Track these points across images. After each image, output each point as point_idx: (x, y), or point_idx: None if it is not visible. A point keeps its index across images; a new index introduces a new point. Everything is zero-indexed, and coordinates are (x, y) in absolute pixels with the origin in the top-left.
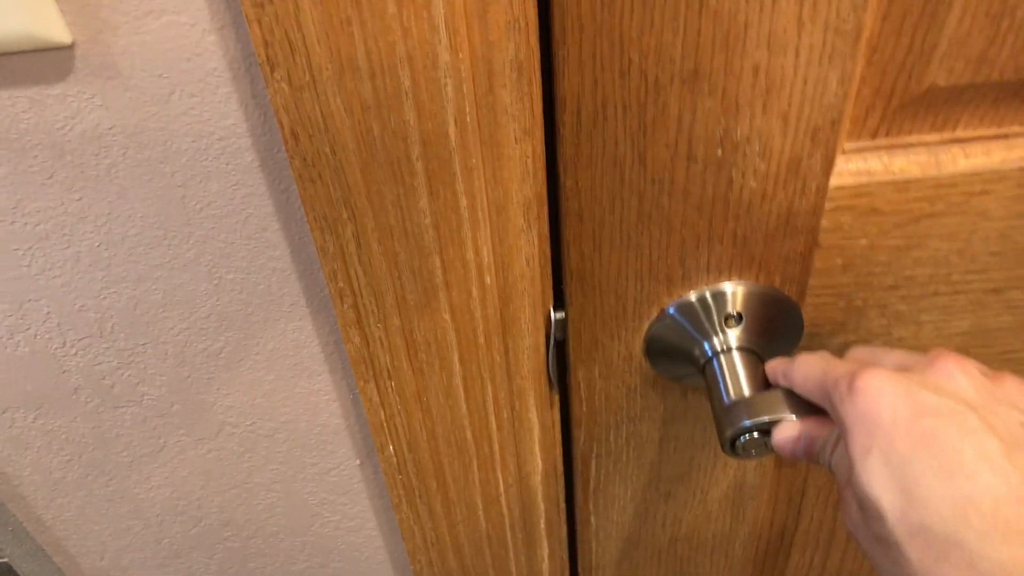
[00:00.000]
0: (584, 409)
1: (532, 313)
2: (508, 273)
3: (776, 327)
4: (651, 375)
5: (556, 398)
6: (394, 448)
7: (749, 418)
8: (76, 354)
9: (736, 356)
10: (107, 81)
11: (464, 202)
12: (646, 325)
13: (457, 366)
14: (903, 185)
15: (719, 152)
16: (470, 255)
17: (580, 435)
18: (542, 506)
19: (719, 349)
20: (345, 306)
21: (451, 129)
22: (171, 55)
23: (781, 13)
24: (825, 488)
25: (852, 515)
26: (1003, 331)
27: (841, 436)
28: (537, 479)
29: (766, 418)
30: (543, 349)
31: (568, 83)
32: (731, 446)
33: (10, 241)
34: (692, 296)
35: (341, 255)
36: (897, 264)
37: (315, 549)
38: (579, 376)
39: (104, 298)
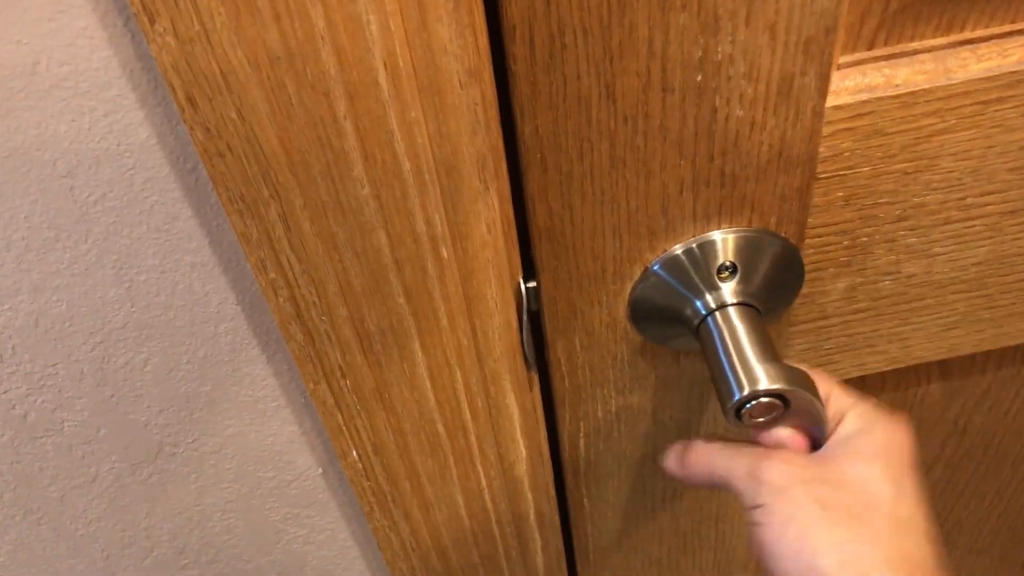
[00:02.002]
0: (567, 385)
1: (499, 286)
2: (467, 243)
3: (774, 275)
4: (638, 341)
5: (535, 378)
6: (358, 453)
7: (756, 384)
8: None
9: (733, 313)
10: None
11: (407, 165)
12: (629, 286)
13: (419, 355)
14: (908, 99)
15: (699, 77)
16: (420, 226)
17: (565, 414)
18: (530, 496)
19: (713, 306)
20: (281, 300)
21: (381, 77)
22: (29, 15)
23: None
24: None
25: None
26: (1022, 256)
27: None
28: (522, 468)
29: (776, 386)
30: (516, 325)
31: (516, 7)
32: (736, 414)
33: None
34: (678, 249)
35: (268, 241)
36: (905, 191)
37: (285, 567)
38: (558, 350)
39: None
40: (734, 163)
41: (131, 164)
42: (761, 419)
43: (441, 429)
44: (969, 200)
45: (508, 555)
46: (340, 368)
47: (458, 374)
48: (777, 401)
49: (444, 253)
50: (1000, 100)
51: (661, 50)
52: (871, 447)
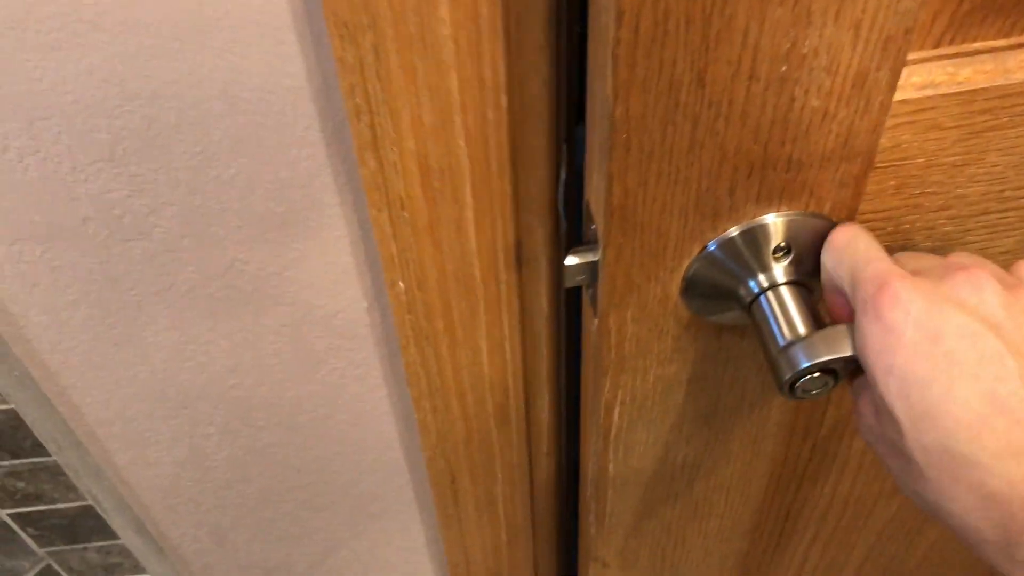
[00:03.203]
0: (613, 356)
1: (545, 141)
2: (523, 95)
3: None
4: (685, 316)
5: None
6: (404, 285)
7: (810, 359)
8: (87, 180)
9: (786, 291)
10: None
11: (484, 11)
12: (686, 263)
13: (469, 198)
14: (968, 97)
15: (784, 68)
16: (487, 72)
17: (605, 383)
18: (545, 351)
19: (766, 285)
20: (362, 124)
21: None
22: None
23: None
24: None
25: (868, 420)
26: None
27: (859, 334)
28: (542, 321)
29: (828, 357)
30: (554, 181)
31: None
32: (790, 388)
33: (20, 51)
34: (737, 230)
35: (359, 67)
36: (951, 183)
37: (321, 399)
38: (611, 322)
39: (117, 117)
40: (803, 150)
41: None
42: (815, 391)
43: (477, 273)
44: (1007, 193)
45: (516, 408)
46: (401, 199)
47: (499, 222)
48: (829, 376)
49: (503, 101)
50: None
51: (755, 42)
52: None
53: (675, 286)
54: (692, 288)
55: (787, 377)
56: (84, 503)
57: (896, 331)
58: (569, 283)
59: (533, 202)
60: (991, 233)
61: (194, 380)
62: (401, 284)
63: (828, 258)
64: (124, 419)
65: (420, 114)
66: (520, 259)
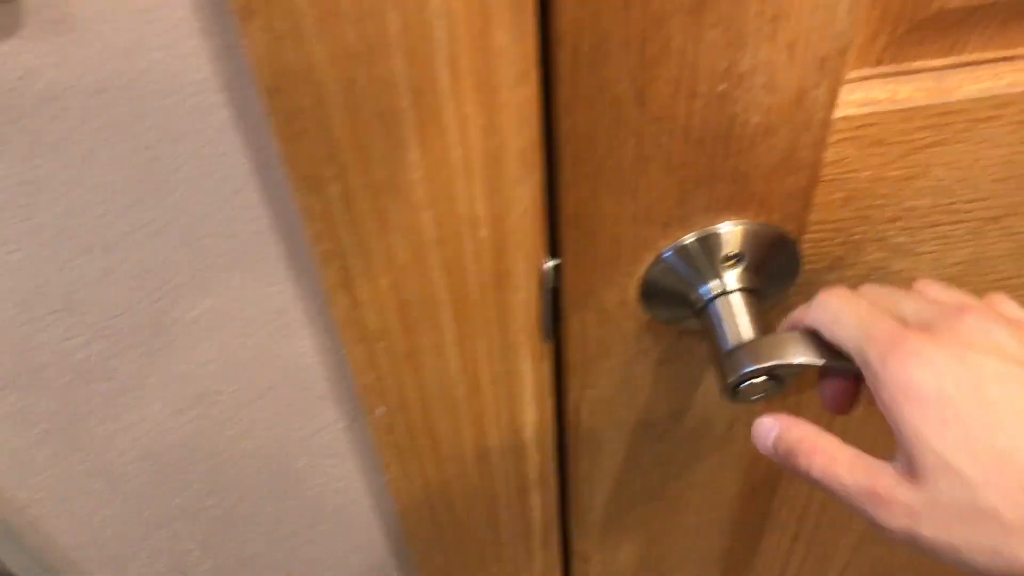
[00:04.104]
0: (578, 357)
1: (526, 265)
2: (503, 226)
3: (773, 266)
4: (645, 319)
5: (548, 350)
6: (385, 408)
7: (754, 363)
8: (44, 329)
9: (735, 298)
10: (61, 36)
11: (458, 153)
12: (642, 270)
13: (451, 323)
14: (908, 114)
15: (723, 86)
16: (463, 209)
17: (574, 383)
18: (535, 458)
19: (717, 291)
20: (331, 268)
21: (443, 75)
22: (132, 4)
23: None
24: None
25: (903, 499)
26: (1001, 258)
27: (887, 395)
28: (530, 431)
29: (772, 362)
30: (536, 300)
31: (567, 18)
32: (734, 391)
33: None
34: (689, 238)
35: (327, 215)
36: (898, 195)
37: (303, 512)
38: (573, 324)
39: (71, 270)
40: (747, 163)
41: (208, 140)
42: (756, 396)
43: (461, 391)
44: (956, 206)
45: (509, 510)
46: (377, 332)
47: (483, 343)
48: (774, 382)
49: (482, 234)
50: (989, 119)
51: (692, 61)
52: None
53: (633, 291)
54: (649, 293)
55: (731, 380)
56: None
57: (931, 386)
58: (547, 287)
59: (517, 322)
60: (944, 245)
61: (170, 502)
62: (381, 409)
63: (825, 316)
64: (98, 543)
65: (394, 253)
66: (506, 374)
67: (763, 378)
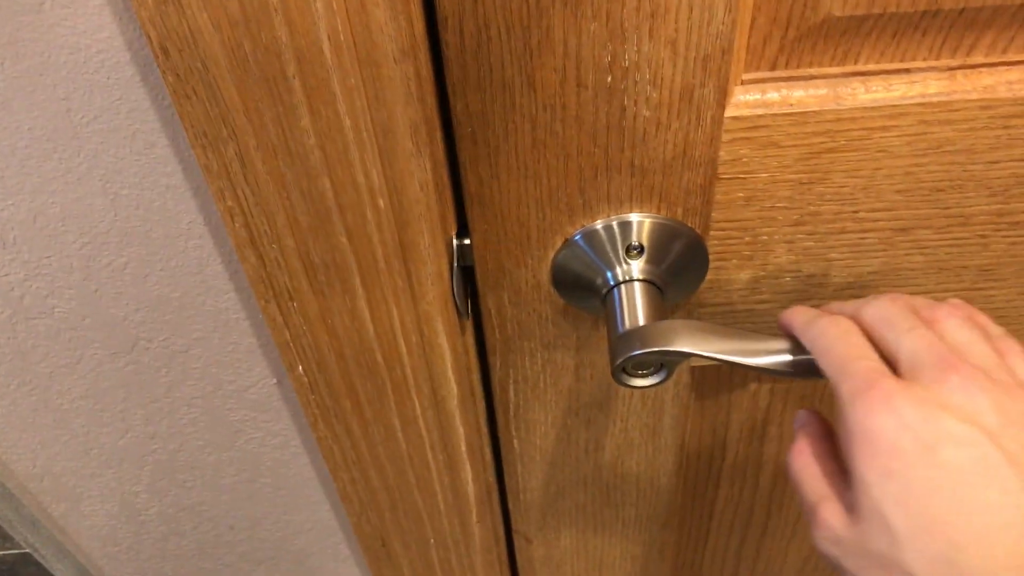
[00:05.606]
0: (498, 336)
1: (432, 239)
2: (402, 197)
3: (680, 260)
4: (561, 304)
5: (469, 325)
6: (303, 368)
7: (642, 347)
8: None
9: (636, 287)
10: None
11: (348, 123)
12: (551, 254)
13: (360, 289)
14: (801, 118)
15: (609, 79)
16: (360, 178)
17: (496, 362)
18: (461, 430)
19: (620, 279)
20: (237, 225)
21: (326, 47)
22: None
23: None
24: (747, 423)
25: (836, 531)
26: (914, 271)
27: (848, 434)
28: (454, 403)
29: (658, 348)
30: (447, 275)
31: (447, 1)
32: (622, 372)
33: None
34: (597, 225)
35: (226, 174)
36: (801, 199)
37: (242, 464)
38: (489, 303)
39: (2, 210)
40: (643, 156)
41: (118, 96)
42: (644, 381)
43: (379, 358)
44: (862, 214)
45: (440, 480)
46: (288, 291)
47: (395, 311)
48: (663, 370)
49: (381, 203)
50: (884, 128)
51: (575, 52)
52: None
53: (545, 274)
54: (560, 277)
55: (618, 361)
56: (21, 551)
57: (889, 437)
58: (462, 263)
59: (427, 294)
60: (854, 253)
61: (115, 443)
62: (300, 368)
63: (817, 341)
64: (52, 475)
65: (295, 215)
66: (424, 345)
67: (652, 367)
